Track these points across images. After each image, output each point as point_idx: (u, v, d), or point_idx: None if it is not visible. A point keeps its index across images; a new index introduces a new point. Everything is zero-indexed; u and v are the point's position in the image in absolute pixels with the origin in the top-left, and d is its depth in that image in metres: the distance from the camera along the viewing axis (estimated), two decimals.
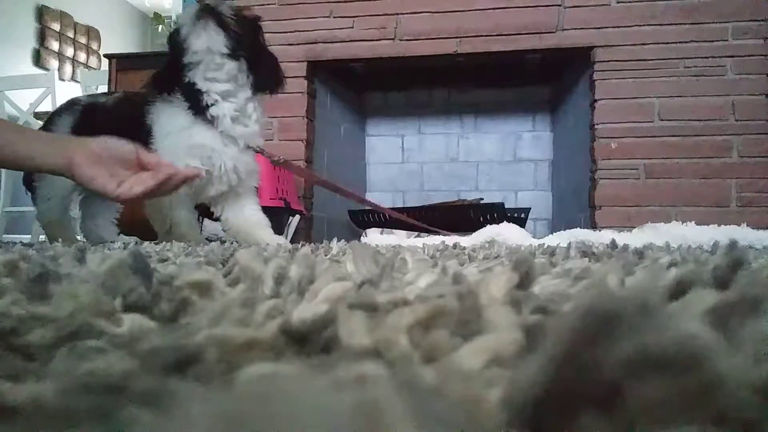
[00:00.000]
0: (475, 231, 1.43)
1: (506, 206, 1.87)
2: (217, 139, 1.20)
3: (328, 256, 0.52)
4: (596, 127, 1.78)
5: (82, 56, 4.74)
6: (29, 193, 1.40)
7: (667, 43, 1.75)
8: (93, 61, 4.86)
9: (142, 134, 1.18)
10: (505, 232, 1.35)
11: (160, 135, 1.19)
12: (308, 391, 0.09)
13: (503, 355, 0.16)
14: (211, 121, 1.20)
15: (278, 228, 1.64)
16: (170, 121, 1.20)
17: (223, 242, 1.12)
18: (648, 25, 1.76)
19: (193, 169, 0.95)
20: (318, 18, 1.93)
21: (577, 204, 1.95)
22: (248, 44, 1.22)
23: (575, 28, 1.80)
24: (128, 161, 0.88)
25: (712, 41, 1.73)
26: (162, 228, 1.22)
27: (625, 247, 0.64)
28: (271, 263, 0.29)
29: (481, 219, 1.74)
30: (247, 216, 1.27)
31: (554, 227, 2.21)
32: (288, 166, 1.43)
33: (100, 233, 1.35)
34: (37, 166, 0.87)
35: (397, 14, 1.89)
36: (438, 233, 1.57)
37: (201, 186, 1.22)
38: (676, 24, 1.75)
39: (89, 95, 1.43)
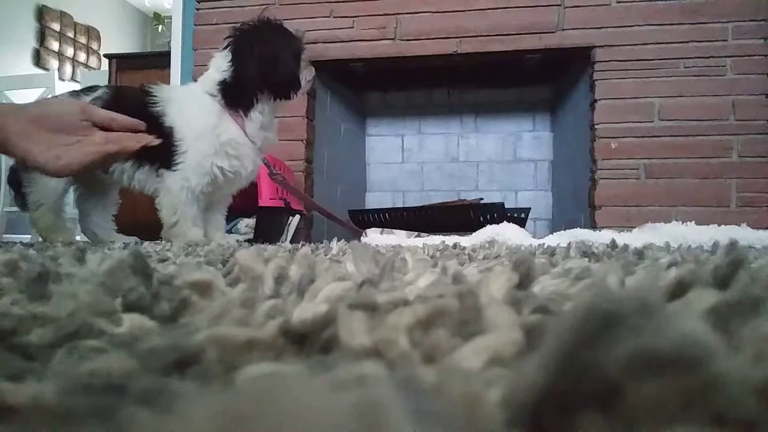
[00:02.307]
0: (475, 231, 1.43)
1: (506, 206, 1.86)
2: (245, 138, 1.21)
3: (328, 256, 0.52)
4: (596, 127, 1.78)
5: (82, 56, 4.74)
6: (13, 194, 1.37)
7: (667, 43, 1.75)
8: (93, 61, 4.86)
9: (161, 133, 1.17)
10: (505, 232, 1.35)
11: (187, 134, 1.18)
12: (308, 391, 0.09)
13: (503, 355, 0.16)
14: (235, 119, 1.21)
15: (278, 228, 1.64)
16: (197, 116, 1.19)
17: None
18: (648, 25, 1.76)
19: (143, 126, 0.88)
20: (318, 18, 1.93)
21: (577, 204, 1.95)
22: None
23: (575, 28, 1.80)
24: (75, 125, 0.81)
25: (712, 41, 1.73)
26: (169, 219, 1.18)
27: (625, 247, 0.64)
28: (271, 263, 0.29)
29: (481, 219, 1.74)
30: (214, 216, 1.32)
31: (554, 227, 2.21)
32: (285, 185, 1.44)
33: (95, 231, 1.33)
34: None
35: (397, 14, 1.89)
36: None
37: (226, 184, 1.23)
38: (676, 24, 1.74)
39: (71, 92, 1.29)
